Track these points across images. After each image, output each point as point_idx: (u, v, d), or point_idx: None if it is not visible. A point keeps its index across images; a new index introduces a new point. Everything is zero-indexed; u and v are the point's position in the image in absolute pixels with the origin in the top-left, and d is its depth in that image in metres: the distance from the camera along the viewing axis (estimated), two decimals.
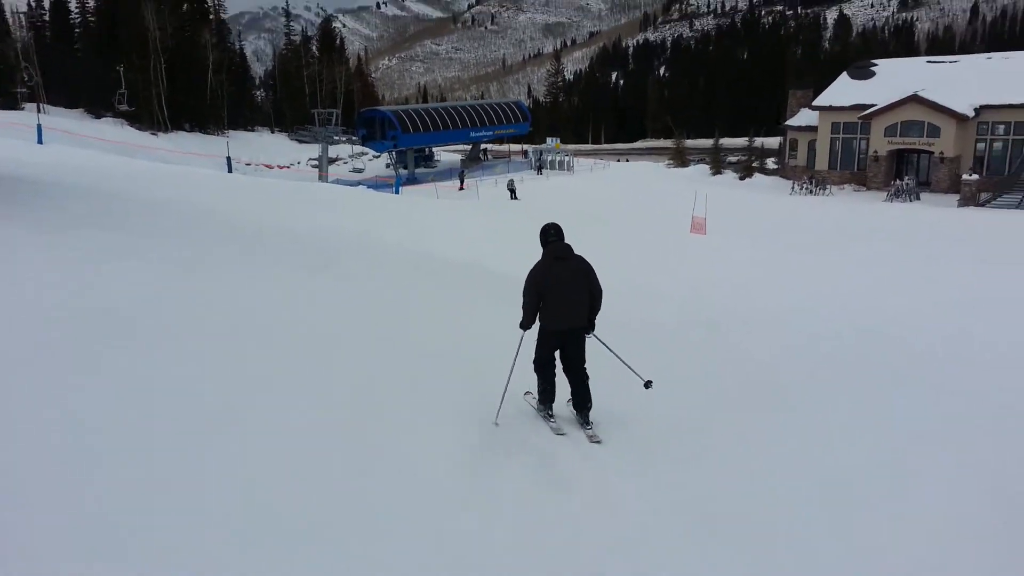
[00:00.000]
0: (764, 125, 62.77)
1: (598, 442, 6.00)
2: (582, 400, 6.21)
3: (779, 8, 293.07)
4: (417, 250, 20.91)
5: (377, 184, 44.56)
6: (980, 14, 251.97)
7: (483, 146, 62.81)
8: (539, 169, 50.59)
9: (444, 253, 21.01)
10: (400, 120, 52.98)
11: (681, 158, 57.10)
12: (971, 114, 37.41)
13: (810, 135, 45.29)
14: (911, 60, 49.65)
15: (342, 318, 10.00)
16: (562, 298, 6.00)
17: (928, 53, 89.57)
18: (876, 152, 40.42)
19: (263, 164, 57.78)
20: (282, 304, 9.90)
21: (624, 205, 36.10)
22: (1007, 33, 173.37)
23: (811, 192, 40.24)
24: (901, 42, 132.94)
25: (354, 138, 56.44)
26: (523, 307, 6.12)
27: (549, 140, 54.91)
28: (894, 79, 42.05)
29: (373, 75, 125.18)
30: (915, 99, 38.42)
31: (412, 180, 50.61)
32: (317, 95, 67.25)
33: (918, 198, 36.44)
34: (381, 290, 12.99)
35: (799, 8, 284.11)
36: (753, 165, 50.04)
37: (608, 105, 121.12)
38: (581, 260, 6.17)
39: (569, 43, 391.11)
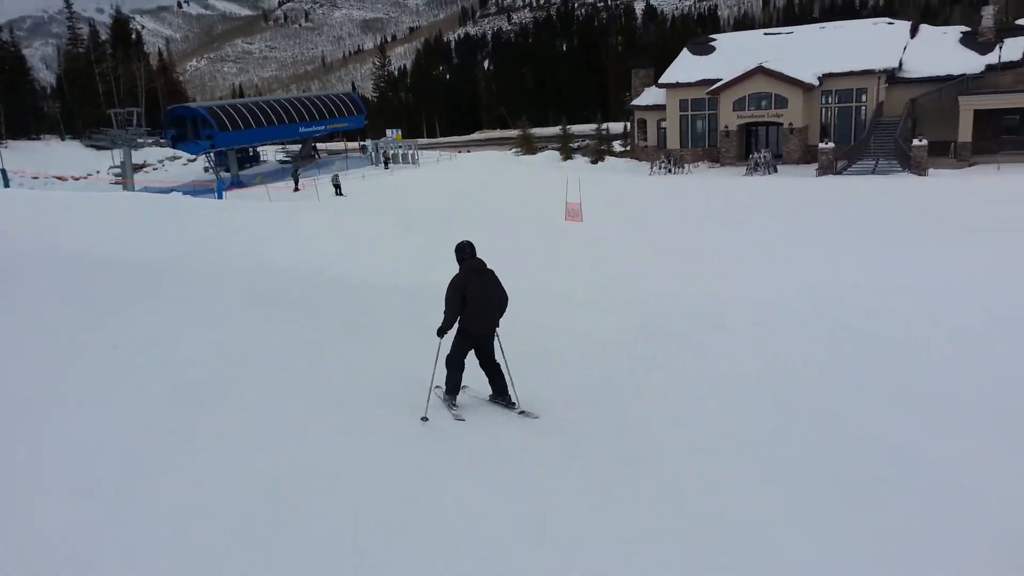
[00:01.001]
0: (596, 111, 62.20)
1: (536, 417, 6.89)
2: (501, 387, 7.11)
3: (590, 1, 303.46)
4: (254, 266, 16.64)
5: (195, 190, 38.62)
6: (769, 3, 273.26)
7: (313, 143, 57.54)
8: (386, 163, 46.42)
9: (289, 264, 16.95)
10: (216, 117, 46.82)
11: (529, 146, 54.90)
12: (816, 83, 37.53)
13: (658, 114, 44.31)
14: (748, 33, 50.12)
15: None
16: (482, 307, 6.80)
17: None
18: (727, 127, 39.87)
19: (53, 176, 49.43)
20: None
21: (485, 195, 33.02)
22: (797, 14, 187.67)
23: (669, 171, 39.03)
24: (708, 28, 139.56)
25: (162, 140, 49.50)
26: (445, 314, 6.75)
27: (389, 132, 50.75)
28: (735, 53, 41.79)
29: (182, 76, 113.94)
30: (761, 71, 38.07)
31: (237, 183, 44.79)
32: (114, 96, 58.81)
33: (776, 170, 36.02)
34: (218, 327, 9.09)
35: (608, 0, 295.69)
36: (602, 148, 48.61)
37: (440, 98, 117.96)
38: (492, 273, 6.94)
39: (389, 39, 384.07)
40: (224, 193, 36.49)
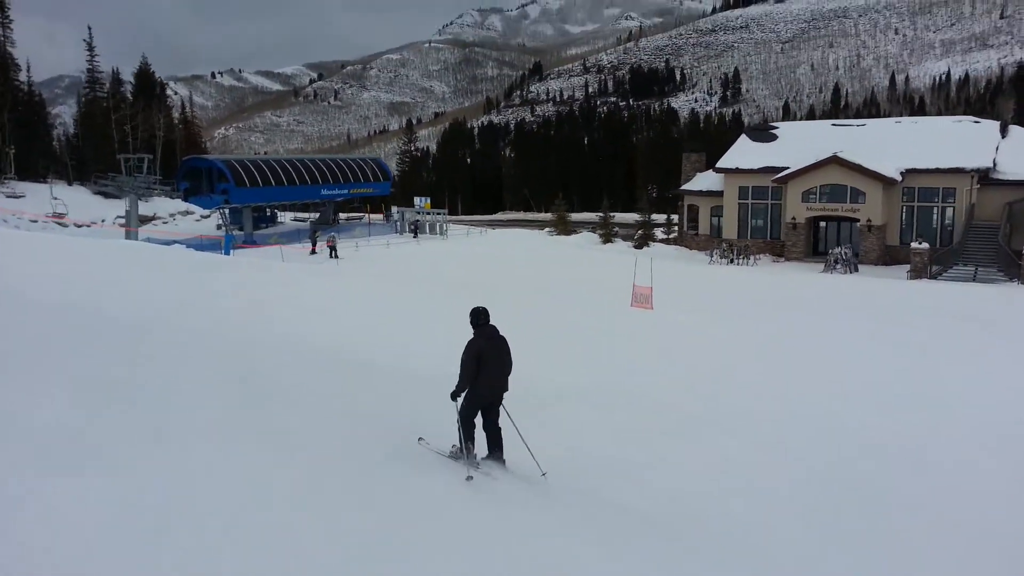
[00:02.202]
0: (621, 200, 60.13)
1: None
2: (498, 445, 7.39)
3: (613, 99, 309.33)
4: (249, 335, 12.40)
5: (202, 243, 34.74)
6: (791, 111, 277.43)
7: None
8: (415, 232, 42.71)
9: (292, 335, 12.88)
10: (233, 171, 43.49)
11: (564, 226, 51.38)
12: (899, 178, 33.80)
13: (711, 201, 40.68)
14: (814, 123, 47.04)
15: None
16: (494, 371, 7.18)
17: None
18: (794, 219, 36.01)
19: (52, 219, 45.89)
20: None
21: (529, 274, 28.87)
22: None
23: (731, 261, 34.94)
24: (734, 131, 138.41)
25: (174, 192, 46.11)
26: (462, 377, 7.08)
27: (418, 200, 47.28)
28: (800, 142, 38.40)
29: (208, 143, 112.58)
30: (836, 161, 34.46)
31: (250, 242, 40.97)
32: (130, 143, 55.93)
33: (856, 269, 31.84)
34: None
35: (630, 100, 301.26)
36: (647, 234, 44.81)
37: (464, 177, 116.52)
38: (504, 339, 7.36)
39: (415, 121, 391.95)
40: (232, 250, 32.53)
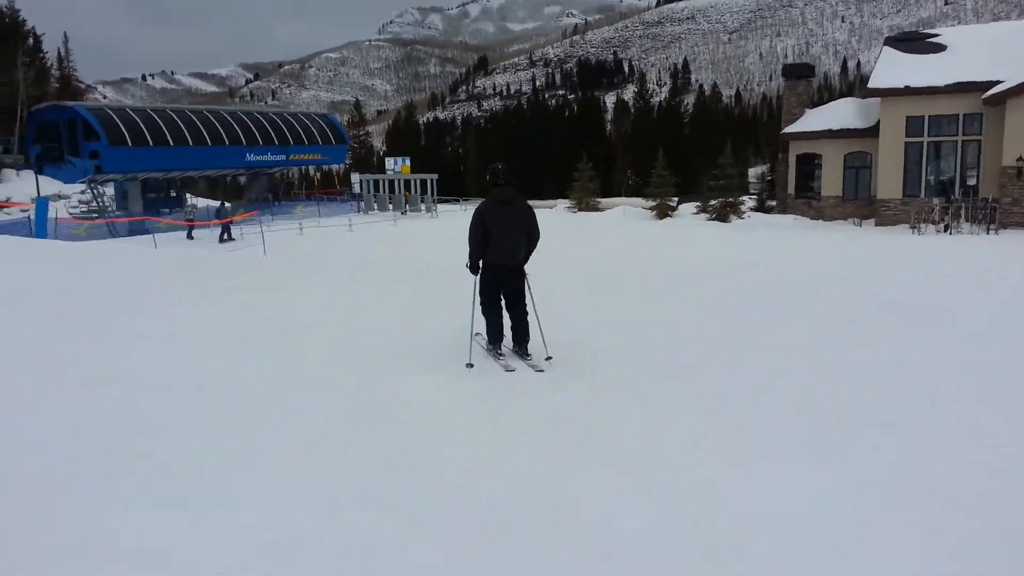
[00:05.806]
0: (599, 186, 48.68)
1: (541, 371, 6.10)
2: (521, 335, 6.43)
3: (561, 92, 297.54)
4: None
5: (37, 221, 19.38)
6: (744, 99, 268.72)
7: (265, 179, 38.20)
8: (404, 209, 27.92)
9: None
10: (107, 124, 27.73)
11: (587, 201, 37.34)
12: None
13: (845, 145, 26.92)
14: (991, 25, 33.61)
15: None
16: (503, 238, 6.11)
17: None
18: (1020, 160, 22.26)
19: None
20: None
21: (617, 260, 14.44)
22: (768, 115, 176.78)
23: (946, 229, 20.94)
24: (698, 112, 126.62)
25: (9, 156, 30.22)
26: (470, 247, 6.20)
27: (392, 162, 32.32)
28: (988, 48, 24.84)
29: None
30: None
31: (139, 228, 25.36)
32: None
33: None
34: None
35: (579, 92, 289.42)
36: (730, 201, 30.65)
37: (422, 167, 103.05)
38: (524, 204, 6.29)
39: (357, 120, 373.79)
40: (49, 228, 17.19)
